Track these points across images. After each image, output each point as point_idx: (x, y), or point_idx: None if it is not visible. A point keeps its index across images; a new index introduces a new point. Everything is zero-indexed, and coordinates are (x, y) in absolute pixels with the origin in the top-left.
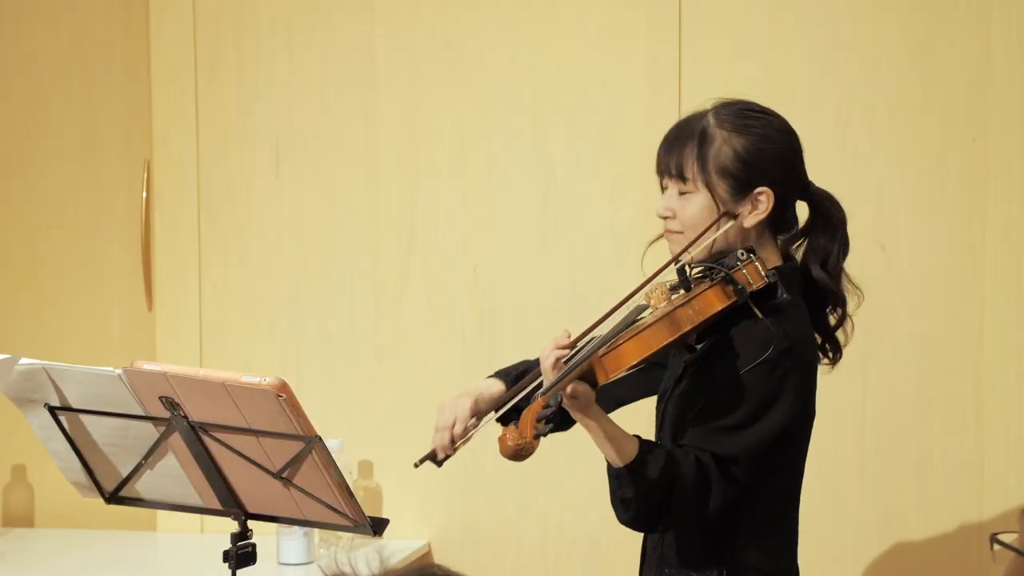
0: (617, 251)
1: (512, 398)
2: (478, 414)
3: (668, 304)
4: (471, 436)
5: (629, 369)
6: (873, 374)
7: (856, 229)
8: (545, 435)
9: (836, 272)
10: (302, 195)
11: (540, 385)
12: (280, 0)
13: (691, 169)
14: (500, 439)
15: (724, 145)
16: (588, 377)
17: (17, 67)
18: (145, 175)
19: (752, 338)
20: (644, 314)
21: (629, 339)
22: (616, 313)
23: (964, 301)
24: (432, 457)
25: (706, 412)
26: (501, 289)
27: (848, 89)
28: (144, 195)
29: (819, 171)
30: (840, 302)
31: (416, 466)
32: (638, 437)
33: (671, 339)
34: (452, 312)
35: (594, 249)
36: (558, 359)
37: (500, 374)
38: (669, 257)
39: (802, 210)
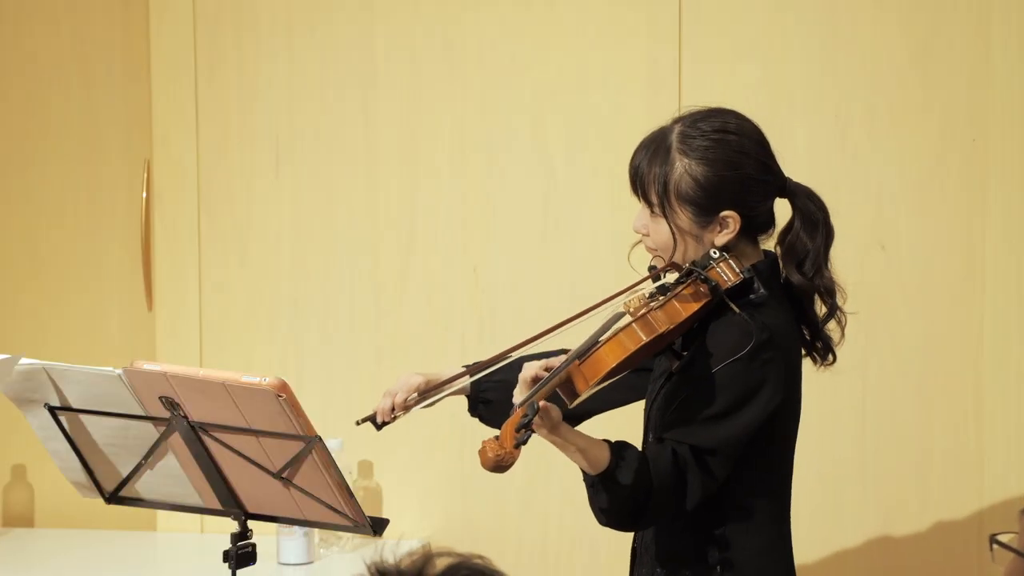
0: (617, 251)
1: (458, 383)
2: (425, 393)
3: (644, 307)
4: (411, 410)
5: (609, 374)
6: (873, 374)
7: (856, 229)
8: (525, 443)
9: (817, 268)
10: (302, 195)
11: (493, 376)
12: (280, 0)
13: (655, 196)
14: (480, 452)
15: (685, 174)
16: (567, 386)
17: (17, 67)
18: (145, 175)
19: (730, 332)
20: (621, 321)
21: (605, 343)
22: (594, 322)
23: (964, 301)
24: (373, 419)
25: (684, 405)
26: (501, 289)
27: (848, 89)
28: (144, 195)
29: (819, 171)
30: (827, 295)
31: (357, 424)
32: (607, 442)
33: (646, 341)
34: (452, 312)
35: (594, 249)
36: (535, 375)
37: (468, 366)
38: (650, 261)
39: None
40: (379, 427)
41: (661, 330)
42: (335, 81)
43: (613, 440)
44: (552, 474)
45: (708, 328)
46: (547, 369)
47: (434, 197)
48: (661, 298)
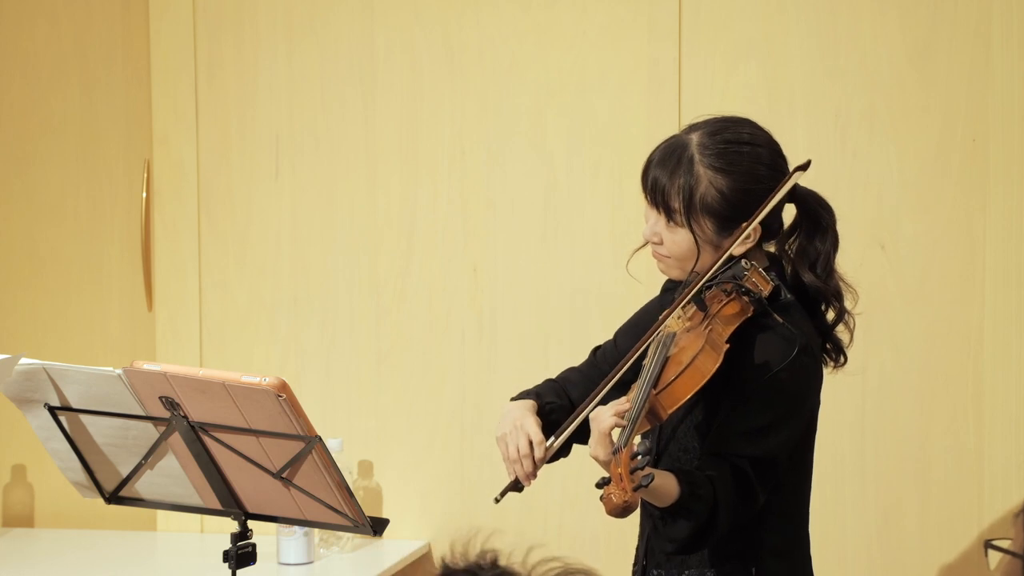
0: (617, 251)
1: (577, 417)
2: (555, 436)
3: (695, 326)
4: (549, 455)
5: (686, 402)
6: (873, 374)
7: (856, 229)
8: (646, 487)
9: (828, 272)
10: (302, 195)
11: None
12: (280, 0)
13: (677, 208)
14: (606, 499)
15: (710, 187)
16: (649, 417)
17: (17, 67)
18: (145, 175)
19: (774, 341)
20: (674, 341)
21: (681, 373)
22: (647, 344)
23: (964, 301)
24: (516, 486)
25: (736, 417)
26: (501, 289)
27: (848, 89)
28: (144, 195)
29: (819, 171)
30: (835, 299)
31: (497, 501)
32: (673, 472)
33: (720, 363)
34: (452, 312)
35: (594, 249)
36: (612, 424)
37: (528, 395)
38: (655, 267)
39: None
40: (522, 489)
41: (726, 348)
42: (335, 81)
43: (674, 469)
44: (552, 474)
45: (746, 339)
46: (618, 414)
47: (434, 197)
48: (706, 314)
